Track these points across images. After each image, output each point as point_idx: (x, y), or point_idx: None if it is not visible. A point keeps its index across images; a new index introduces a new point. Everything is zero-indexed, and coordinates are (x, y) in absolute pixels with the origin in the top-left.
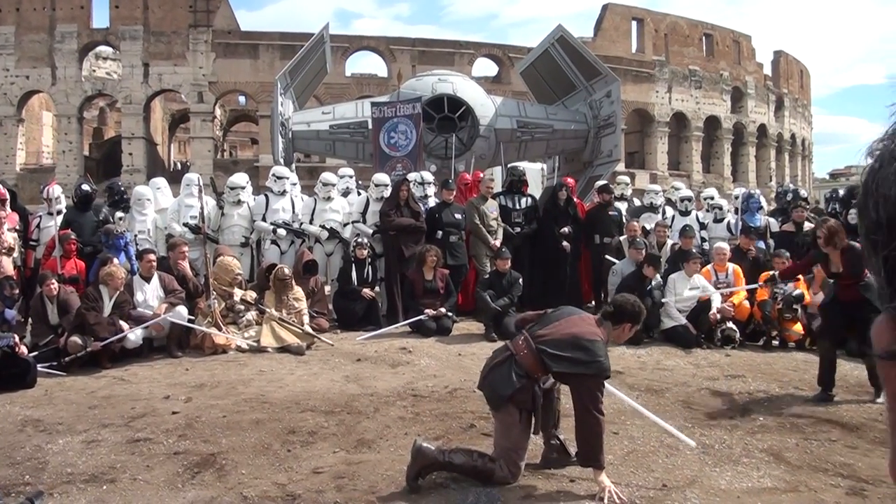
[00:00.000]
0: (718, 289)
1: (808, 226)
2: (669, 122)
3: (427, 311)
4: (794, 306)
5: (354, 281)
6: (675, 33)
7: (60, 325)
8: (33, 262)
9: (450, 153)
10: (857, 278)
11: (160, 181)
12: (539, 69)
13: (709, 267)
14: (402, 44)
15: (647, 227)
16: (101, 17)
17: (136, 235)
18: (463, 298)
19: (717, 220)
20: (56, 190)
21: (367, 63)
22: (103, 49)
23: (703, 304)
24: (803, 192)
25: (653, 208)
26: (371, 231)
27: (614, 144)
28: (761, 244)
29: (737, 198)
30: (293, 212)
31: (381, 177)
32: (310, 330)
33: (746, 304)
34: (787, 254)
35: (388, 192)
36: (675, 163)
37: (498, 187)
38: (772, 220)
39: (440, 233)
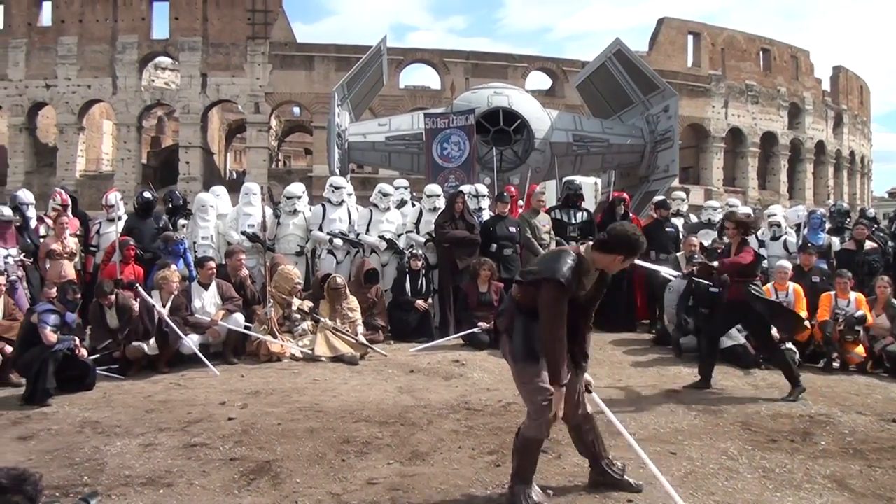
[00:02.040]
0: None
1: (869, 245)
2: (725, 138)
3: (480, 323)
4: (857, 328)
5: (408, 292)
6: (732, 48)
7: (119, 330)
8: (93, 267)
9: (503, 166)
10: (747, 276)
11: (220, 189)
12: (595, 83)
13: (769, 285)
14: (455, 56)
15: (705, 243)
16: (161, 29)
17: (195, 242)
18: None
19: (775, 238)
20: (115, 196)
21: (420, 75)
22: (162, 60)
23: None
24: (871, 212)
25: (710, 225)
26: (424, 240)
27: (671, 159)
28: (823, 264)
29: (798, 217)
30: (349, 222)
31: (434, 187)
32: (363, 340)
33: (807, 324)
34: (850, 273)
35: (440, 203)
36: (730, 179)
37: (552, 201)
38: (835, 238)
39: (494, 246)
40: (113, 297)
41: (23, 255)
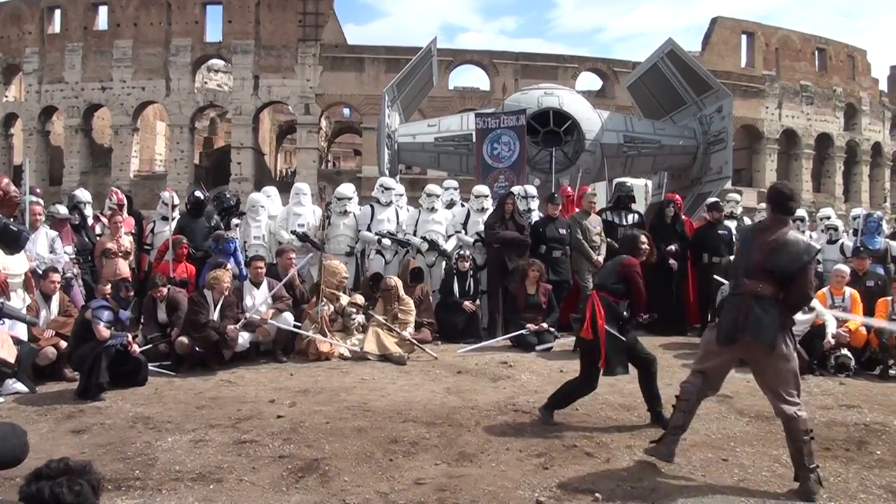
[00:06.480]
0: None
1: None
2: (779, 139)
3: (529, 325)
4: None
5: (456, 293)
6: (787, 47)
7: (169, 324)
8: (147, 265)
9: (554, 167)
10: None
11: (271, 189)
12: (647, 83)
13: (824, 290)
14: (505, 58)
15: None
16: (214, 32)
17: (245, 242)
18: (565, 314)
19: (831, 242)
20: (174, 196)
21: (469, 77)
22: (215, 62)
23: (817, 329)
24: None
25: None
26: (472, 241)
27: (724, 161)
28: (880, 269)
29: (854, 219)
30: (397, 222)
31: (482, 188)
32: (410, 337)
33: (863, 330)
34: None
35: (487, 203)
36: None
37: (602, 202)
38: (893, 242)
39: (544, 247)
40: (164, 291)
41: (74, 255)
